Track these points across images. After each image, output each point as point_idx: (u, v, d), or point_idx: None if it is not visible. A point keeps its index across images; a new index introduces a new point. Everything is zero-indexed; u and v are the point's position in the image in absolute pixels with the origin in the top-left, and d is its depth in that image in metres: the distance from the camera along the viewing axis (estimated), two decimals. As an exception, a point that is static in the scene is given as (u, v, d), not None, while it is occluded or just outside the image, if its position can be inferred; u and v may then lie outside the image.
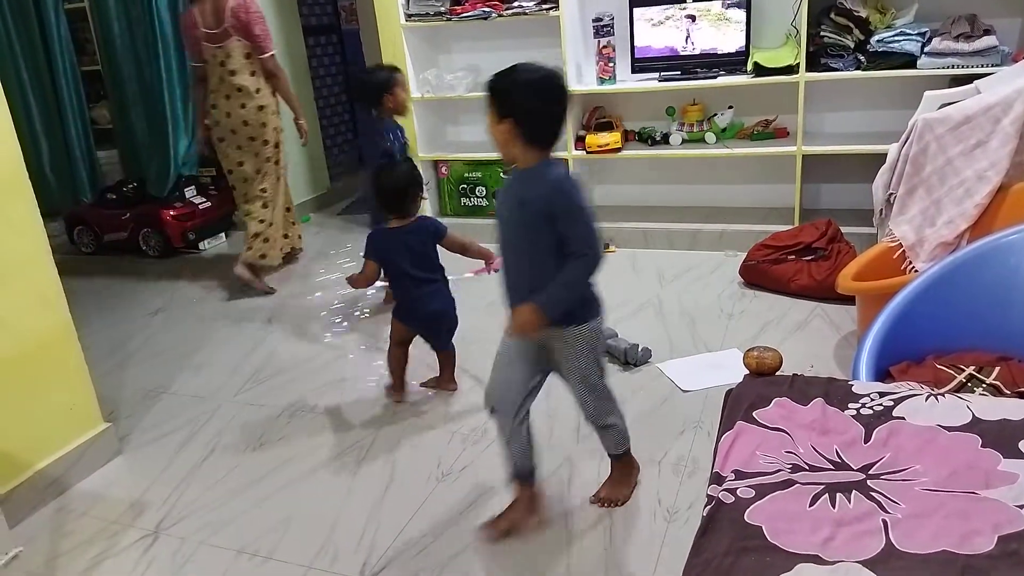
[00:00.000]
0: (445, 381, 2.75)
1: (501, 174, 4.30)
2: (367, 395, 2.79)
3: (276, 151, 3.85)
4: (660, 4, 3.77)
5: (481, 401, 2.67)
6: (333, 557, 1.99)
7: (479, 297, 3.20)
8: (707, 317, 3.16)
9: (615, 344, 2.83)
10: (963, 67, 3.24)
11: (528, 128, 1.69)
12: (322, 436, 2.56)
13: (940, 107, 2.70)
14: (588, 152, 4.01)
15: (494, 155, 4.27)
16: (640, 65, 3.91)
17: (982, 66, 3.19)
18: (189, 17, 3.62)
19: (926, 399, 1.41)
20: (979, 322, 1.89)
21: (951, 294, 1.90)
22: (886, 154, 2.88)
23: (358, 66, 6.25)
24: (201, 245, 4.71)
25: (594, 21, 3.88)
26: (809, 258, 3.29)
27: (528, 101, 1.68)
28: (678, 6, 3.75)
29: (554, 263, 1.74)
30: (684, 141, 3.98)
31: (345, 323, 3.45)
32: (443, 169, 4.48)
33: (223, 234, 4.87)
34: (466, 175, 4.41)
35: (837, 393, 1.47)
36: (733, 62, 3.74)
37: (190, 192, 4.72)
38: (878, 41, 3.37)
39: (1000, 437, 1.28)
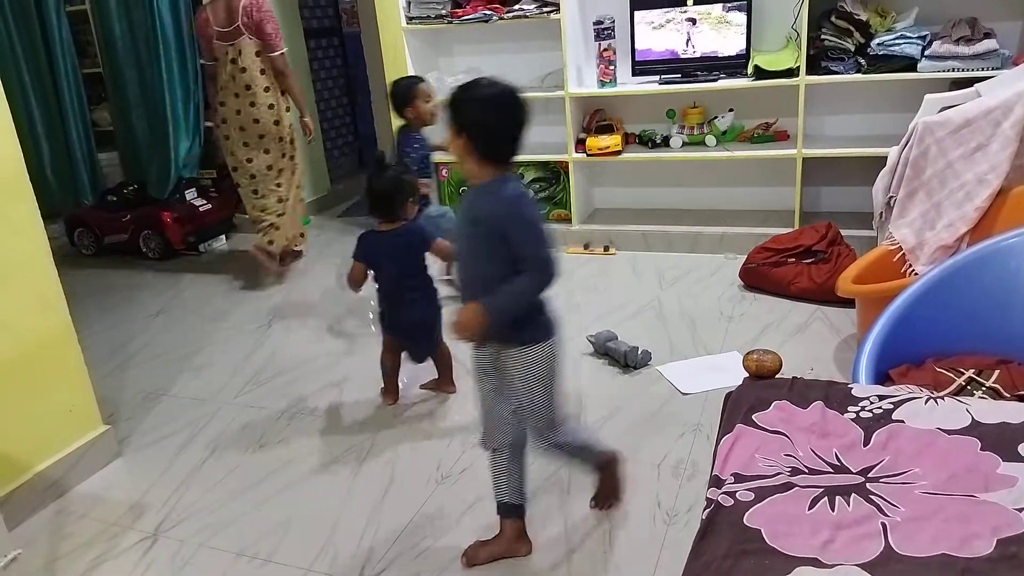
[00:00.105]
0: (444, 383, 2.75)
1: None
2: (367, 397, 2.79)
3: (291, 147, 3.92)
4: (661, 7, 3.78)
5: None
6: (332, 559, 1.99)
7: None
8: (707, 320, 3.16)
9: (615, 347, 2.83)
10: (963, 70, 3.24)
11: (482, 143, 1.67)
12: (322, 438, 2.56)
13: (940, 110, 2.70)
14: (588, 155, 4.01)
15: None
16: (641, 68, 3.92)
17: (982, 69, 3.20)
18: (202, 16, 3.71)
19: (925, 402, 1.41)
20: (979, 325, 1.89)
21: (951, 297, 1.90)
22: (886, 157, 2.88)
23: (359, 69, 6.25)
24: (201, 247, 4.71)
25: (595, 24, 3.88)
26: (809, 261, 3.29)
27: (483, 116, 1.67)
28: (679, 9, 3.75)
29: (506, 280, 1.71)
30: (684, 144, 3.98)
31: (345, 325, 3.45)
32: (443, 172, 4.48)
33: (223, 236, 4.87)
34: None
35: (837, 396, 1.47)
36: (733, 65, 3.75)
37: (190, 194, 4.72)
38: (878, 44, 3.37)
39: (999, 440, 1.28)
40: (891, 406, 1.41)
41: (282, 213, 3.98)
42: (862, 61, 3.45)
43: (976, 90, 2.78)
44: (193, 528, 2.16)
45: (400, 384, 2.76)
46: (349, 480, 2.31)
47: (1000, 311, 1.87)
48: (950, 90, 3.02)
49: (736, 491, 1.23)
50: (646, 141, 4.07)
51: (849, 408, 1.42)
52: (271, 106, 3.76)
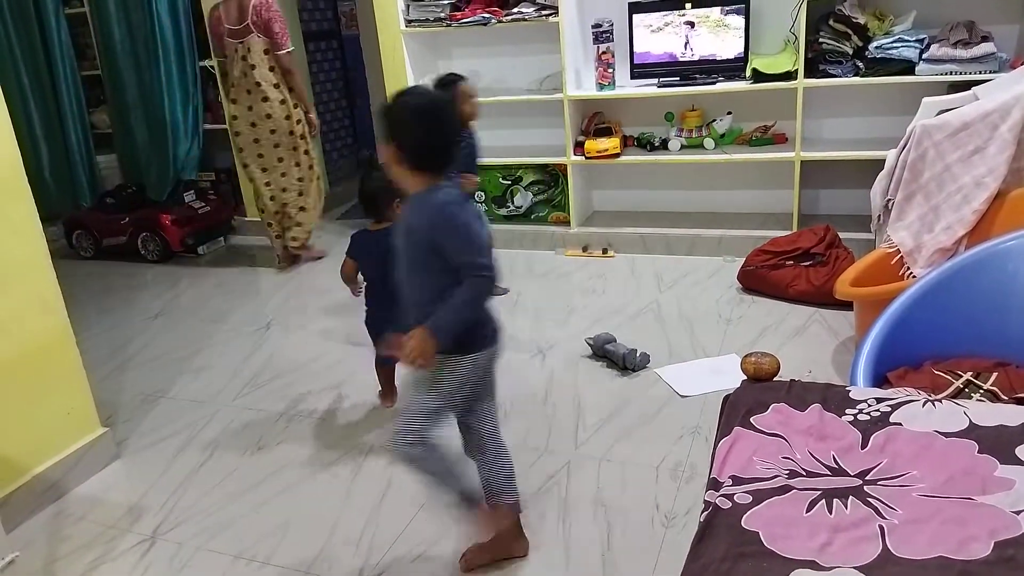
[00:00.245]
0: None
1: (500, 179, 4.31)
2: (365, 399, 2.79)
3: (303, 142, 4.05)
4: (659, 10, 3.79)
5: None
6: (331, 561, 1.98)
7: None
8: (705, 322, 3.17)
9: (613, 349, 2.83)
10: (961, 73, 3.25)
11: (410, 153, 1.67)
12: (320, 440, 2.56)
13: (938, 113, 2.71)
14: (587, 157, 4.01)
15: (493, 160, 4.29)
16: (639, 71, 3.92)
17: (980, 73, 3.20)
18: (215, 14, 3.86)
19: (923, 405, 1.41)
20: (977, 328, 1.89)
21: (949, 300, 1.91)
22: (884, 160, 2.88)
23: (358, 72, 6.26)
24: (200, 249, 4.71)
25: (593, 27, 3.89)
26: (807, 264, 3.29)
27: (410, 126, 1.67)
28: (677, 12, 3.76)
29: (450, 289, 1.69)
30: (683, 147, 3.99)
31: (344, 326, 3.44)
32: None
33: (222, 239, 4.87)
34: (465, 180, 4.41)
35: (834, 399, 1.47)
36: (732, 68, 3.75)
37: (189, 197, 4.73)
38: (876, 48, 3.38)
39: (997, 443, 1.29)
40: (889, 409, 1.41)
41: (303, 207, 4.16)
42: (860, 64, 3.46)
43: (974, 93, 2.79)
44: (191, 530, 2.16)
45: (398, 386, 2.76)
46: (348, 482, 2.31)
47: (998, 314, 1.87)
48: (948, 93, 3.02)
49: (734, 494, 1.23)
50: (645, 144, 4.08)
51: (847, 411, 1.43)
52: (282, 102, 3.90)
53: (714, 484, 1.28)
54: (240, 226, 4.96)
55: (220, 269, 4.46)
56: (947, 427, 1.35)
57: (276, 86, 3.87)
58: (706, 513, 1.21)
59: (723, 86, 3.74)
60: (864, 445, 1.34)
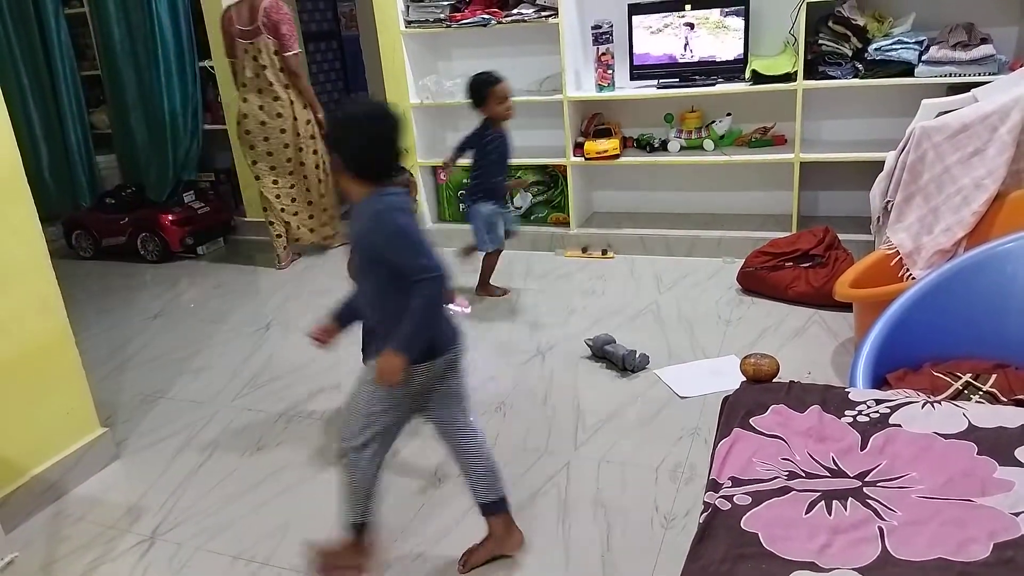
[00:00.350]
0: None
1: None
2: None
3: (312, 142, 4.13)
4: (659, 12, 3.79)
5: (477, 407, 2.68)
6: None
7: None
8: (705, 324, 3.17)
9: (613, 350, 2.83)
10: (960, 75, 3.25)
11: (350, 162, 1.69)
12: (319, 441, 2.56)
13: (937, 115, 2.71)
14: (587, 159, 4.01)
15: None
16: (639, 72, 3.93)
17: (979, 75, 3.21)
18: (227, 15, 3.95)
19: (922, 406, 1.42)
20: (976, 329, 1.89)
21: (948, 302, 1.91)
22: (883, 162, 2.89)
23: (357, 72, 6.26)
24: (199, 250, 4.71)
25: (593, 28, 3.89)
26: (807, 265, 3.30)
27: (348, 135, 1.69)
28: (677, 14, 3.76)
29: (401, 296, 1.69)
30: (682, 148, 3.99)
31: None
32: (441, 175, 4.48)
33: (221, 239, 4.87)
34: (464, 181, 4.41)
35: (834, 400, 1.47)
36: (731, 70, 3.76)
37: (189, 197, 4.72)
38: (876, 49, 3.38)
39: (996, 445, 1.29)
40: (888, 410, 1.41)
41: (311, 201, 4.24)
42: (859, 66, 3.46)
43: (973, 95, 2.79)
44: (190, 531, 2.16)
45: None
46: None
47: (997, 315, 1.88)
48: (947, 95, 3.03)
49: (734, 495, 1.24)
50: (644, 145, 4.08)
51: (846, 412, 1.43)
52: (292, 102, 3.99)
53: (713, 485, 1.28)
54: (240, 226, 4.96)
55: (220, 270, 4.46)
56: (946, 429, 1.35)
57: (286, 87, 3.97)
58: (705, 514, 1.22)
59: (722, 87, 3.74)
60: (863, 447, 1.34)
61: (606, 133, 4.04)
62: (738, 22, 3.68)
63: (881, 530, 1.13)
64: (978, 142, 2.50)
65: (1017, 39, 3.43)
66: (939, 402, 1.44)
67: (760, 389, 1.53)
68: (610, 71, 3.93)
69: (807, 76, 3.53)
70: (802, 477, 1.28)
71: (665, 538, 1.96)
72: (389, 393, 1.76)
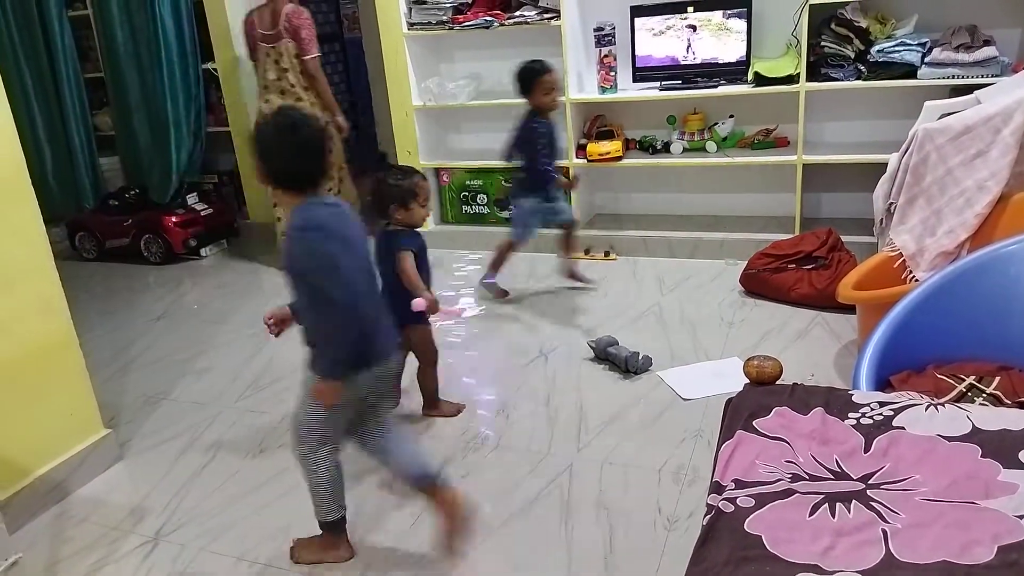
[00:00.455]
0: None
1: (503, 181, 4.32)
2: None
3: (328, 142, 4.06)
4: (661, 14, 3.79)
5: (480, 408, 2.68)
6: (332, 565, 1.98)
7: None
8: (708, 325, 3.17)
9: (615, 352, 2.83)
10: (963, 77, 3.25)
11: (270, 171, 1.72)
12: (322, 443, 2.56)
13: (940, 117, 2.71)
14: (589, 160, 4.01)
15: (496, 163, 4.31)
16: (641, 74, 3.93)
17: (982, 76, 3.20)
18: (249, 19, 4.04)
19: (926, 409, 1.41)
20: (979, 332, 1.89)
21: (951, 304, 1.91)
22: (886, 164, 2.88)
23: (360, 74, 6.27)
24: (203, 251, 4.72)
25: (595, 30, 3.89)
26: (810, 267, 3.29)
27: (269, 144, 1.72)
28: (679, 16, 3.76)
29: (320, 314, 1.73)
30: (685, 150, 3.99)
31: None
32: (444, 177, 4.49)
33: (224, 241, 4.88)
34: (467, 183, 4.42)
35: (837, 402, 1.47)
36: (734, 71, 3.76)
37: (192, 199, 4.73)
38: (878, 51, 3.38)
39: (1000, 447, 1.29)
40: (891, 413, 1.41)
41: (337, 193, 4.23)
42: (862, 68, 3.46)
43: (976, 97, 2.79)
44: (194, 532, 2.16)
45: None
46: (349, 486, 2.31)
47: (1001, 318, 1.87)
48: (950, 97, 3.02)
49: (737, 497, 1.24)
50: (647, 147, 4.08)
51: (850, 415, 1.43)
52: (313, 103, 4.03)
53: (717, 487, 1.28)
54: (242, 228, 4.97)
55: (223, 271, 4.47)
56: (950, 431, 1.35)
57: (307, 89, 4.05)
58: (709, 516, 1.22)
59: (725, 89, 3.74)
60: (867, 449, 1.34)
61: (609, 135, 4.04)
62: (740, 24, 3.68)
63: (885, 532, 1.13)
64: (981, 144, 2.49)
65: (1020, 41, 3.43)
66: (943, 404, 1.44)
67: (763, 391, 1.53)
68: (612, 73, 3.93)
69: (810, 78, 3.53)
70: (806, 479, 1.27)
71: (668, 540, 1.96)
72: (331, 409, 1.82)
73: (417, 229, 2.50)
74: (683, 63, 3.84)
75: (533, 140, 3.34)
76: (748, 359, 1.58)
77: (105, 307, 4.01)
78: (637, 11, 3.82)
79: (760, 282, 3.37)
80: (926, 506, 1.18)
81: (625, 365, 2.78)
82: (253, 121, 4.13)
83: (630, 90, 3.99)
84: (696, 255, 3.90)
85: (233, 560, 2.04)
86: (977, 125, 2.51)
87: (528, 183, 3.43)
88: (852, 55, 3.46)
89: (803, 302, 3.22)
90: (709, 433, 2.35)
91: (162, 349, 3.43)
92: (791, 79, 3.56)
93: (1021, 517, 1.13)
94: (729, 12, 3.68)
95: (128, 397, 2.99)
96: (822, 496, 1.22)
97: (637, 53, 3.88)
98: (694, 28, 3.77)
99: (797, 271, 3.29)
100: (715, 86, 3.76)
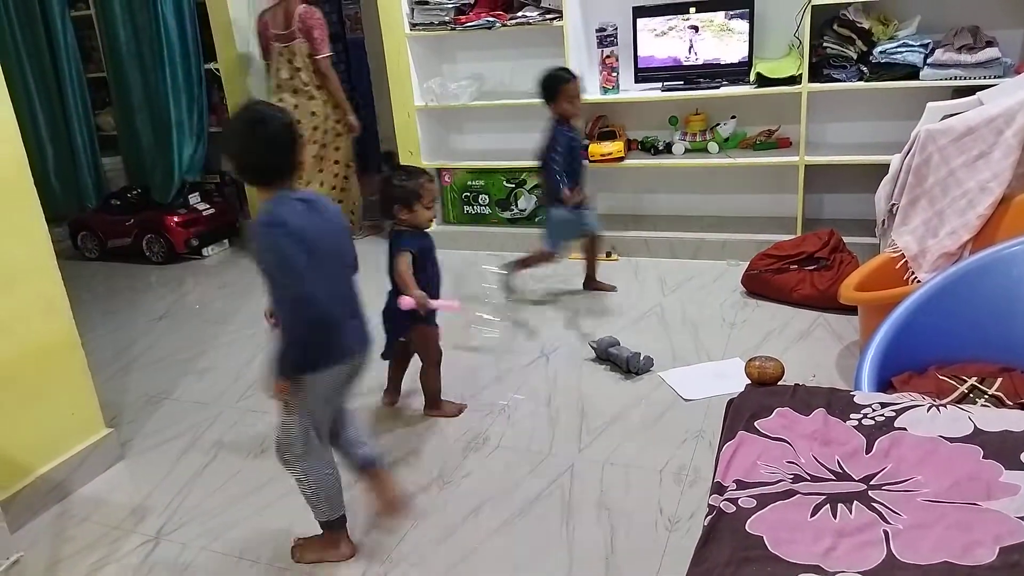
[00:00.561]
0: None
1: (504, 182, 4.32)
2: (367, 402, 2.78)
3: (339, 139, 4.38)
4: (663, 14, 3.79)
5: (480, 407, 2.68)
6: (334, 564, 1.98)
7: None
8: (709, 326, 3.16)
9: (617, 352, 2.83)
10: (966, 78, 3.24)
11: (237, 164, 1.76)
12: (324, 443, 2.56)
13: (943, 118, 2.70)
14: (591, 161, 4.00)
15: (497, 163, 4.31)
16: (643, 75, 3.93)
17: (985, 77, 3.20)
18: (263, 20, 4.21)
19: (928, 410, 1.41)
20: (981, 333, 1.89)
21: (953, 305, 1.91)
22: (888, 165, 2.88)
23: (362, 75, 6.26)
24: (205, 251, 4.72)
25: (597, 31, 3.89)
26: (811, 268, 3.29)
27: (234, 138, 1.74)
28: (681, 17, 3.76)
29: (283, 308, 1.76)
30: (687, 151, 3.99)
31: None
32: (446, 177, 4.49)
33: (226, 240, 4.88)
34: (469, 183, 4.42)
35: (839, 403, 1.47)
36: (736, 72, 3.76)
37: (194, 198, 4.73)
38: (881, 52, 3.38)
39: (1002, 448, 1.28)
40: (893, 414, 1.41)
41: (342, 189, 4.48)
42: (864, 69, 3.46)
43: (978, 98, 2.78)
44: (195, 532, 2.16)
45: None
46: (349, 485, 2.31)
47: (1003, 319, 1.87)
48: (952, 98, 3.02)
49: (738, 498, 1.24)
50: (648, 148, 4.08)
51: (851, 415, 1.43)
52: (324, 102, 4.23)
53: (718, 488, 1.28)
54: (244, 228, 4.97)
55: (225, 271, 4.47)
56: (952, 432, 1.34)
57: (319, 87, 4.20)
58: (710, 517, 1.21)
59: (727, 90, 3.74)
60: (869, 450, 1.34)
61: (610, 135, 4.04)
62: (743, 25, 3.68)
63: (886, 533, 1.13)
64: (983, 145, 2.49)
65: (1023, 42, 3.42)
66: (944, 405, 1.44)
67: (765, 392, 1.53)
68: (614, 74, 3.93)
69: (812, 79, 3.52)
70: (807, 480, 1.27)
71: (669, 541, 1.96)
72: (299, 404, 1.82)
73: (424, 230, 2.50)
74: (685, 64, 3.84)
75: (553, 148, 3.27)
76: (750, 360, 1.58)
77: (107, 307, 4.01)
78: (639, 12, 3.82)
79: (762, 283, 3.37)
80: (928, 507, 1.18)
81: (627, 366, 2.78)
82: None
83: (632, 91, 3.99)
84: (698, 256, 3.90)
85: (234, 559, 2.04)
86: (979, 126, 2.51)
87: (557, 192, 3.33)
88: (854, 56, 3.46)
89: (805, 303, 3.22)
90: (710, 434, 2.35)
91: (164, 349, 3.43)
92: (793, 80, 3.56)
93: (1023, 518, 1.12)
94: (731, 13, 3.68)
95: (130, 396, 2.99)
96: (824, 497, 1.22)
97: (639, 54, 3.88)
98: (696, 29, 3.76)
99: (799, 272, 3.29)
100: (717, 87, 3.76)
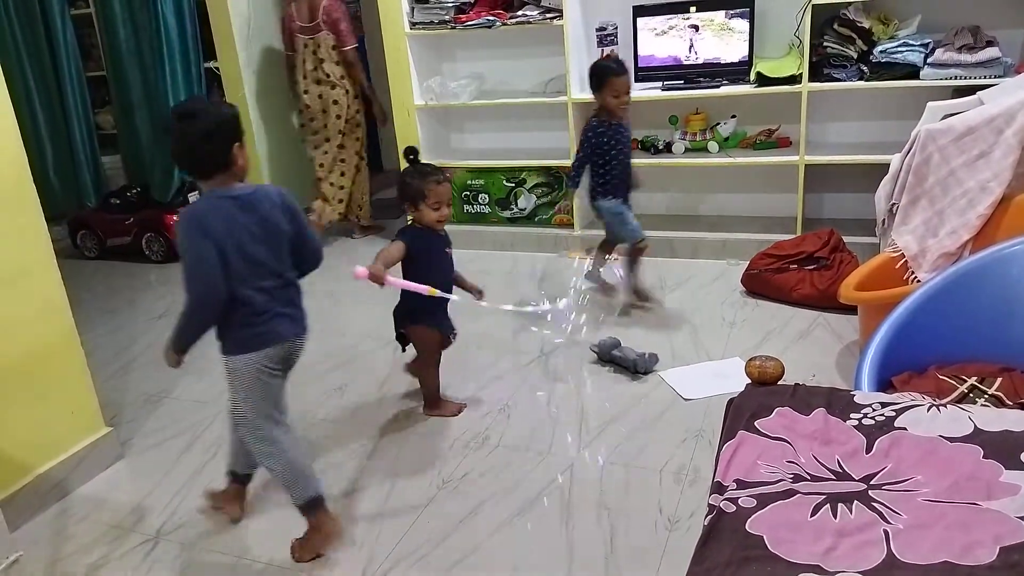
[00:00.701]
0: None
1: (504, 181, 4.32)
2: (368, 401, 2.79)
3: (358, 129, 4.54)
4: (664, 14, 3.79)
5: (480, 408, 2.68)
6: (333, 565, 1.99)
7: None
8: (709, 326, 3.16)
9: (621, 354, 2.82)
10: (966, 78, 3.24)
11: (172, 156, 1.86)
12: (322, 443, 2.56)
13: (943, 118, 2.70)
14: (591, 160, 4.01)
15: (497, 163, 4.30)
16: (643, 74, 3.92)
17: (985, 77, 3.20)
18: (288, 12, 4.34)
19: (928, 410, 1.41)
20: (981, 333, 1.89)
21: (953, 305, 1.91)
22: (889, 164, 2.88)
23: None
24: (204, 250, 4.71)
25: (598, 30, 3.89)
26: (811, 267, 3.29)
27: (171, 131, 1.81)
28: (681, 16, 3.76)
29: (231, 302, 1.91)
30: (687, 150, 3.99)
31: (348, 328, 3.45)
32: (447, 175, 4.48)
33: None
34: (469, 182, 4.42)
35: (839, 403, 1.47)
36: (736, 72, 3.75)
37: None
38: (881, 52, 3.38)
39: (1002, 448, 1.28)
40: (893, 413, 1.41)
41: (343, 186, 4.59)
42: (865, 68, 3.45)
43: (979, 98, 2.78)
44: (195, 531, 2.16)
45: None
46: (349, 485, 2.31)
47: (1003, 319, 1.87)
48: (952, 98, 3.02)
49: (738, 497, 1.23)
50: (648, 147, 4.08)
51: (851, 415, 1.43)
52: (347, 91, 4.37)
53: (718, 488, 1.28)
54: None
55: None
56: (952, 432, 1.35)
57: (342, 78, 4.35)
58: (710, 517, 1.21)
59: (727, 89, 3.74)
60: (869, 450, 1.34)
61: (610, 135, 4.03)
62: (743, 24, 3.68)
63: (886, 533, 1.13)
64: (983, 145, 2.49)
65: (1023, 42, 3.42)
66: (944, 405, 1.44)
67: (765, 391, 1.53)
68: (615, 73, 3.92)
69: (812, 78, 3.52)
70: (807, 480, 1.27)
71: (669, 540, 1.96)
72: (242, 387, 1.95)
73: (435, 230, 2.49)
74: (685, 63, 3.84)
75: (603, 144, 3.16)
76: (750, 359, 1.58)
77: (106, 305, 4.01)
78: (639, 11, 3.82)
79: (762, 282, 3.37)
80: (928, 507, 1.18)
81: (634, 367, 2.77)
82: (302, 115, 4.50)
83: (632, 90, 3.98)
84: (698, 255, 3.90)
85: (234, 559, 2.04)
86: (980, 126, 2.51)
87: (602, 185, 3.25)
88: (855, 55, 3.45)
89: (805, 302, 3.22)
90: (710, 433, 2.35)
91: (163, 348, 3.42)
92: (793, 79, 3.55)
93: (1023, 518, 1.12)
94: (732, 12, 3.68)
95: (129, 395, 2.99)
96: (824, 496, 1.22)
97: (639, 53, 3.88)
98: (696, 28, 3.76)
99: (799, 271, 3.29)
100: (717, 86, 3.76)
